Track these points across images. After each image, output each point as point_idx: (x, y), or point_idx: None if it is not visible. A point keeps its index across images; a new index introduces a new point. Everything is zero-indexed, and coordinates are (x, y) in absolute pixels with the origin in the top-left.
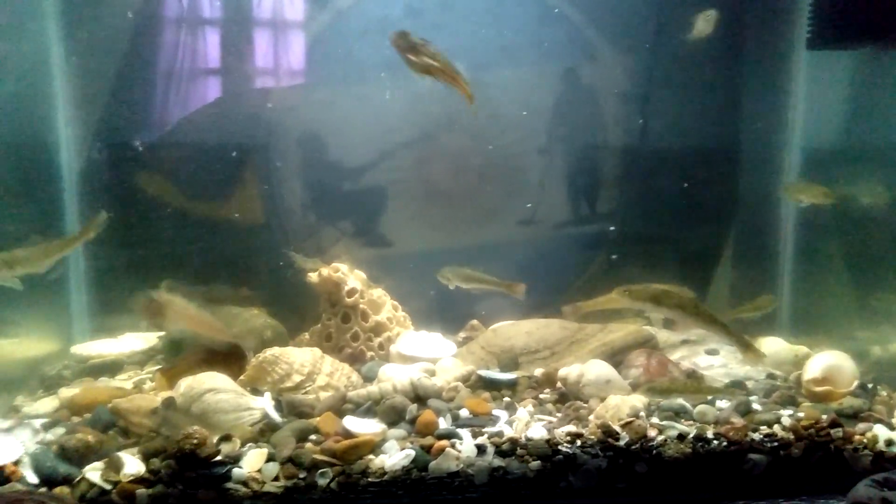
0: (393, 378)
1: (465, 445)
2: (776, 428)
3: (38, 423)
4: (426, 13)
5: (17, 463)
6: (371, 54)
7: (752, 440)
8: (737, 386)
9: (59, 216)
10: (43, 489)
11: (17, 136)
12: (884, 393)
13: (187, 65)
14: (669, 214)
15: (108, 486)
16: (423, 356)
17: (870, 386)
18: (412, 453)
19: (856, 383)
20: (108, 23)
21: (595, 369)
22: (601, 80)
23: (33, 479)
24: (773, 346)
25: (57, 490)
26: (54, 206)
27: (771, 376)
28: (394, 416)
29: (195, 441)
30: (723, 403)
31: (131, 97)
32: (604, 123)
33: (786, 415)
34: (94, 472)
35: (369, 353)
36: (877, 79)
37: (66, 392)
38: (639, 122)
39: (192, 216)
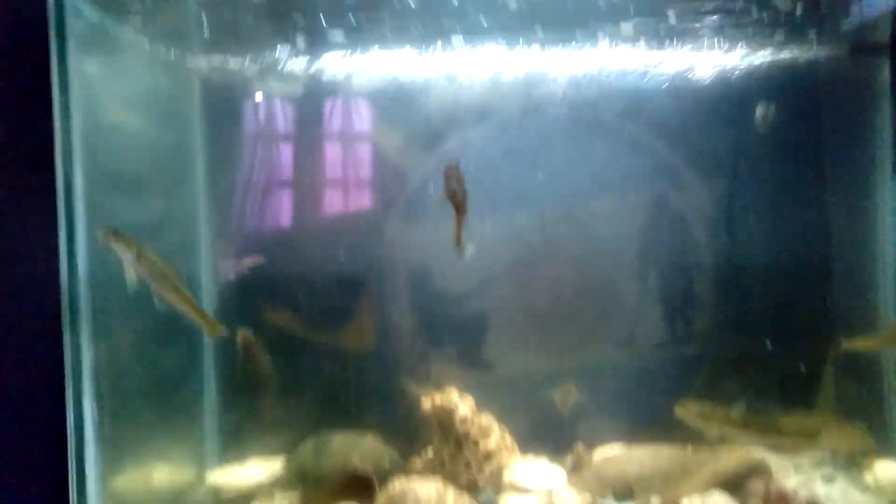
0: None
1: None
2: None
3: None
4: (524, 152)
5: None
6: (476, 191)
7: None
8: None
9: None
10: None
11: None
12: None
13: (302, 191)
14: (765, 333)
15: None
16: (537, 487)
17: None
18: None
19: None
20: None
21: (717, 502)
22: (687, 205)
23: None
24: (892, 471)
25: None
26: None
27: None
28: None
29: None
30: None
31: (255, 244)
32: (694, 246)
33: None
34: None
35: (481, 482)
36: None
37: None
38: (727, 244)
39: (311, 345)
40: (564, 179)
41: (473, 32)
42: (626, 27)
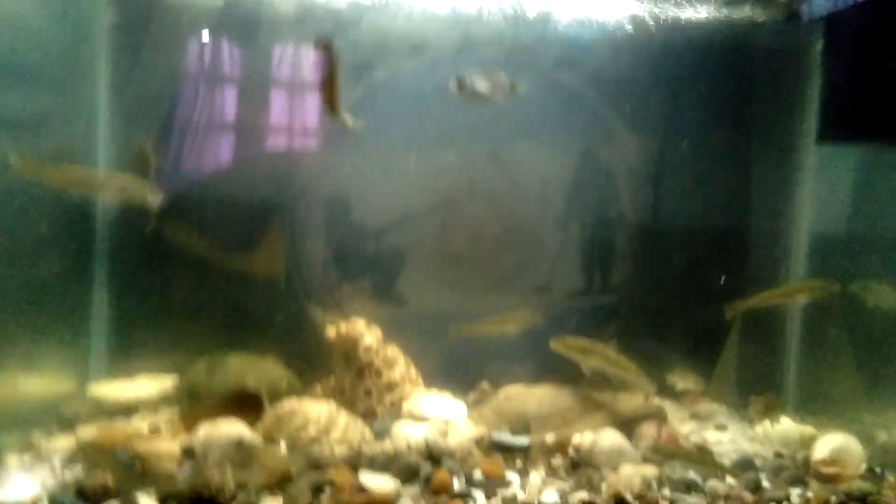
0: (408, 436)
1: None
2: None
3: (56, 460)
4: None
5: (36, 501)
6: (400, 126)
7: None
8: (746, 463)
9: (88, 258)
10: None
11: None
12: (892, 479)
13: (220, 119)
14: (680, 291)
15: None
16: (435, 416)
17: (878, 471)
18: None
19: (864, 467)
20: (151, 79)
21: (608, 439)
22: (618, 159)
23: None
24: (780, 425)
25: None
26: (84, 249)
27: (778, 455)
28: (408, 474)
29: (213, 487)
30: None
31: (166, 144)
32: (618, 200)
33: (795, 494)
34: None
35: (379, 408)
36: (885, 173)
37: (84, 432)
38: (651, 201)
39: (216, 267)
40: (494, 121)
41: None
42: None
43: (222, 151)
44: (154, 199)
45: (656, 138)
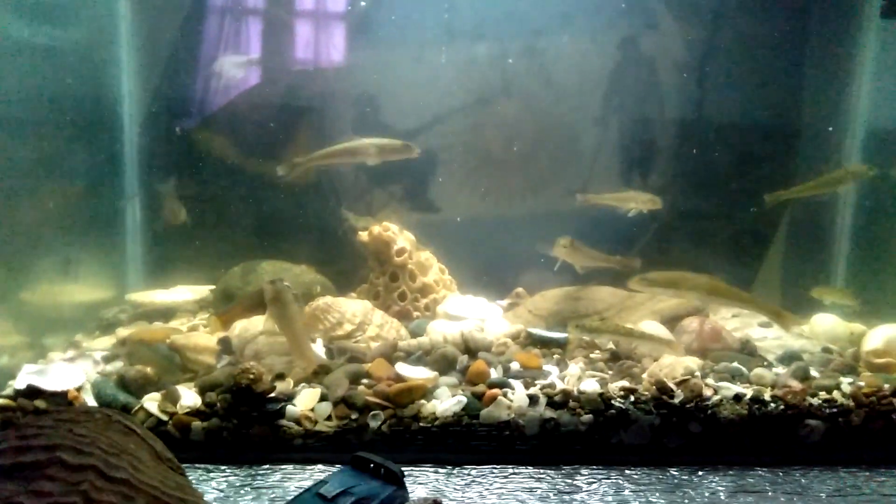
0: (444, 331)
1: (517, 395)
2: (836, 394)
3: (98, 355)
4: None
5: (79, 389)
6: (428, 19)
7: (811, 405)
8: (791, 356)
9: (119, 166)
10: None
11: (82, 82)
12: None
13: (246, 29)
14: (725, 190)
15: (164, 417)
16: (470, 316)
17: None
18: (464, 400)
19: None
20: None
21: (649, 329)
22: (659, 50)
23: (94, 405)
24: (827, 322)
25: None
26: (114, 155)
27: (826, 350)
28: (445, 365)
29: (251, 376)
30: (779, 369)
31: (191, 54)
32: (660, 95)
33: (846, 382)
34: (151, 403)
35: (415, 314)
36: None
37: (124, 331)
38: (697, 94)
39: (248, 174)
40: (528, 12)
41: None
42: None
43: (249, 56)
44: None
45: (702, 26)
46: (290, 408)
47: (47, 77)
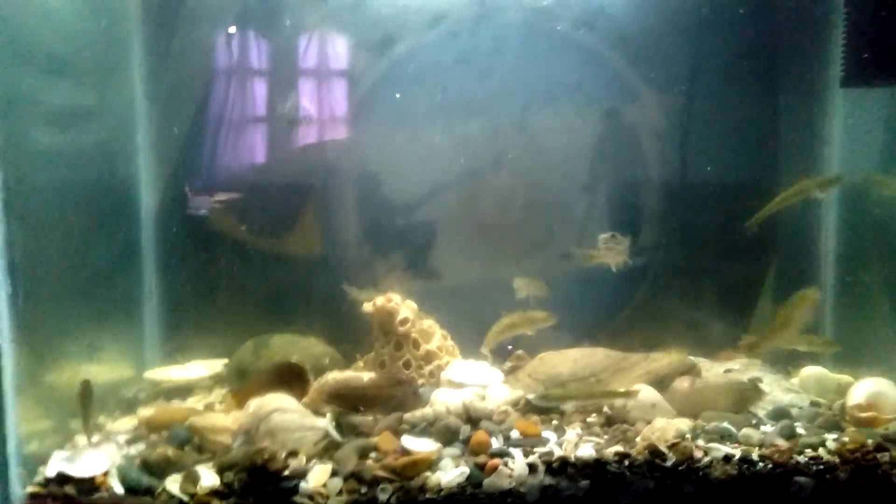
0: (446, 401)
1: (517, 464)
2: (821, 451)
3: (121, 438)
4: (475, 60)
5: (105, 474)
6: (423, 99)
7: (798, 462)
8: (780, 412)
9: (136, 250)
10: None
11: (103, 178)
12: None
13: (252, 114)
14: (710, 247)
15: (186, 498)
16: (473, 383)
17: None
18: (467, 471)
19: None
20: (185, 73)
21: (642, 394)
22: (641, 118)
23: (120, 489)
24: (815, 374)
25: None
26: (132, 242)
27: (815, 404)
28: (448, 436)
29: (266, 456)
30: (766, 428)
31: (202, 143)
32: (644, 161)
33: (830, 439)
34: (173, 485)
35: (420, 381)
36: None
37: (144, 412)
38: (678, 159)
39: (258, 251)
40: (516, 89)
41: None
42: None
43: (256, 141)
44: None
45: (680, 94)
46: (303, 484)
47: (72, 176)
